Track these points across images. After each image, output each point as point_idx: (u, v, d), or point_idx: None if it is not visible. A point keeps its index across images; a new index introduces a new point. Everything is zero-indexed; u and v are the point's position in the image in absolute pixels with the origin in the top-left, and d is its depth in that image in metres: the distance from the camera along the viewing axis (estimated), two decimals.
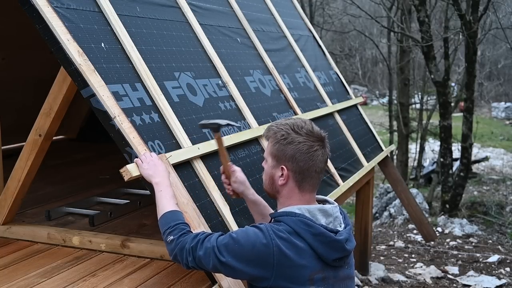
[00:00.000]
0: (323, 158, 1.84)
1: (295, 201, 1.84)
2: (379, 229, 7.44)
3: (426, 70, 10.87)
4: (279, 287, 1.73)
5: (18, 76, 4.87)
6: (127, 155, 2.38)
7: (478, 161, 13.89)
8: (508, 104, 24.47)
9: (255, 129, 3.25)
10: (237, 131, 3.11)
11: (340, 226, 1.84)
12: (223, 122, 2.33)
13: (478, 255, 5.73)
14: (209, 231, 2.39)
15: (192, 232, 1.96)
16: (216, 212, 2.56)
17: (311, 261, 1.74)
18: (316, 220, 1.78)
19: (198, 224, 2.34)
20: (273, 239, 1.71)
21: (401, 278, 5.24)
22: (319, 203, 1.89)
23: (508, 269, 5.29)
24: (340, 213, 1.89)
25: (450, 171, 8.30)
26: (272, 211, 2.14)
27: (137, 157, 2.34)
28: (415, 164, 12.97)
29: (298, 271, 1.73)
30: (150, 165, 2.25)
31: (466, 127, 7.94)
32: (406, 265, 5.70)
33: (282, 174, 1.84)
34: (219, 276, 2.26)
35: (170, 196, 2.16)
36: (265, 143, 3.28)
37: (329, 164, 3.88)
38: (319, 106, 4.44)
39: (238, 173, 2.28)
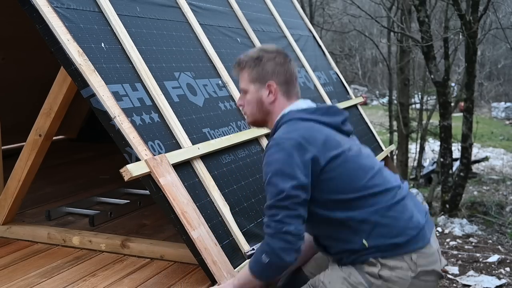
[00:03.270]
0: (295, 66, 2.09)
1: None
2: None
3: (426, 70, 10.87)
4: (329, 158, 1.84)
5: (18, 76, 4.87)
6: (127, 155, 2.38)
7: (478, 161, 13.88)
8: (508, 104, 24.46)
9: (255, 129, 3.25)
10: (237, 131, 3.11)
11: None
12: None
13: (478, 255, 5.73)
14: (209, 231, 2.39)
15: None
16: (216, 212, 2.56)
17: (329, 130, 1.93)
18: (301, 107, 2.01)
19: (198, 224, 2.34)
20: (290, 139, 1.84)
21: None
22: None
23: (508, 269, 5.29)
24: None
25: (450, 171, 8.30)
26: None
27: (137, 157, 2.34)
28: (415, 164, 12.96)
29: (328, 138, 1.89)
30: None
31: (466, 127, 7.93)
32: None
33: (270, 91, 2.01)
34: (219, 276, 2.26)
35: (244, 268, 2.02)
36: (265, 143, 3.29)
37: None
38: None
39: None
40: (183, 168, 2.55)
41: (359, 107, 5.49)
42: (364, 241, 1.82)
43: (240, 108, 2.16)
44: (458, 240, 6.40)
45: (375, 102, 25.20)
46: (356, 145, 2.01)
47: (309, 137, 1.84)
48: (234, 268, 2.39)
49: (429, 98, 13.26)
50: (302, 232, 1.80)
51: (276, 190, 1.79)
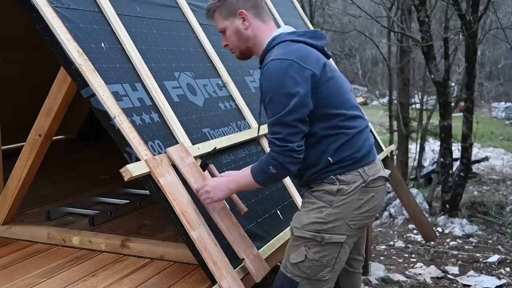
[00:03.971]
0: None
1: (267, 33, 2.18)
2: (379, 229, 7.43)
3: (426, 70, 10.87)
4: (325, 75, 2.05)
5: (18, 76, 4.87)
6: (127, 155, 2.38)
7: (478, 161, 13.88)
8: (508, 104, 24.46)
9: (255, 129, 3.25)
10: (237, 131, 3.11)
11: None
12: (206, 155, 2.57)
13: (478, 255, 5.73)
14: (209, 231, 2.39)
15: None
16: None
17: (318, 53, 2.10)
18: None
19: (198, 224, 2.34)
20: (288, 59, 1.99)
21: (401, 278, 5.23)
22: None
23: (508, 269, 5.29)
24: None
25: (450, 171, 8.29)
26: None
27: (137, 157, 2.34)
28: (415, 164, 12.95)
29: (320, 60, 2.07)
30: (215, 190, 2.29)
31: (466, 127, 7.93)
32: (406, 265, 5.70)
33: (244, 19, 2.16)
34: (219, 276, 2.26)
35: (243, 173, 2.26)
36: (265, 143, 3.29)
37: None
38: None
39: (207, 187, 2.36)
40: None
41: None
42: (330, 158, 2.08)
43: (227, 48, 2.30)
44: (458, 240, 6.40)
45: (375, 102, 25.20)
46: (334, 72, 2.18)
47: (305, 56, 2.02)
48: (234, 268, 2.39)
49: (429, 98, 13.26)
50: (303, 146, 2.04)
51: (279, 107, 1.98)
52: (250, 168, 2.17)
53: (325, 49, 2.19)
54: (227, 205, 2.55)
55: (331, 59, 2.30)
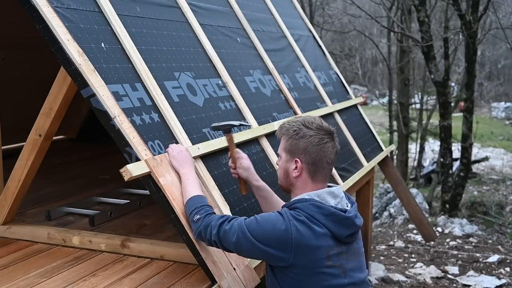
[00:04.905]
0: (333, 150, 2.01)
1: (308, 191, 1.98)
2: (379, 229, 7.44)
3: (426, 70, 10.87)
4: (298, 265, 1.86)
5: (18, 76, 4.87)
6: (127, 155, 2.38)
7: (478, 161, 13.89)
8: (508, 104, 24.46)
9: (255, 129, 3.26)
10: (242, 130, 3.11)
11: (347, 205, 1.99)
12: (235, 122, 2.59)
13: (478, 255, 5.73)
14: None
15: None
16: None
17: (327, 241, 1.87)
18: (326, 202, 1.93)
19: None
20: (291, 221, 1.85)
21: (401, 278, 5.24)
22: None
23: (508, 269, 5.29)
24: (344, 193, 2.06)
25: (450, 171, 8.30)
26: (276, 196, 2.44)
27: (137, 157, 2.34)
28: (415, 164, 12.96)
29: (315, 251, 1.85)
30: (180, 156, 2.41)
31: (466, 127, 7.94)
32: (406, 265, 5.70)
33: (296, 167, 1.99)
34: (219, 276, 2.26)
35: (197, 184, 2.34)
36: (265, 143, 3.29)
37: None
38: (319, 106, 4.44)
39: (244, 159, 2.46)
40: None
41: (359, 107, 5.49)
42: None
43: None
44: (458, 240, 6.40)
45: (375, 102, 25.21)
46: (341, 262, 1.92)
47: (298, 242, 1.83)
48: (234, 269, 2.39)
49: (429, 98, 13.27)
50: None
51: (253, 225, 1.91)
52: (190, 198, 2.24)
53: (349, 237, 1.93)
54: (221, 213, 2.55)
55: (355, 244, 2.00)
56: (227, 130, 2.57)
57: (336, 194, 1.97)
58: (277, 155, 2.12)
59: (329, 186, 2.03)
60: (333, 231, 1.88)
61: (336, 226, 1.89)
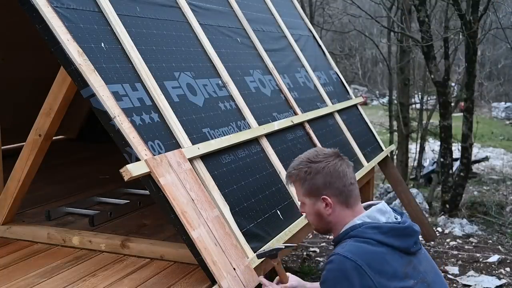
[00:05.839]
0: (350, 168, 1.93)
1: (350, 218, 1.88)
2: None
3: (426, 70, 10.86)
4: None
5: (18, 76, 4.87)
6: (127, 155, 2.38)
7: (478, 161, 13.87)
8: (508, 104, 24.45)
9: (255, 129, 3.25)
10: (242, 130, 3.11)
11: (396, 218, 1.91)
12: (281, 246, 2.38)
13: (478, 255, 5.73)
14: (209, 231, 2.39)
15: None
16: None
17: (397, 260, 1.77)
18: (379, 221, 1.84)
19: (198, 224, 2.34)
20: (355, 260, 1.71)
21: None
22: (365, 209, 1.93)
23: (508, 269, 5.29)
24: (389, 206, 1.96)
25: (450, 171, 8.29)
26: None
27: (137, 157, 2.34)
28: (415, 164, 12.95)
29: (393, 275, 1.73)
30: None
31: (466, 127, 7.93)
32: None
33: (326, 204, 1.89)
34: (219, 276, 2.26)
35: None
36: (265, 143, 3.29)
37: None
38: (319, 106, 4.44)
39: (293, 282, 2.23)
40: None
41: (359, 107, 5.49)
42: None
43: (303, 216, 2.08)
44: (458, 240, 6.39)
45: (375, 102, 25.19)
46: (422, 275, 1.83)
47: (375, 267, 1.72)
48: (234, 269, 2.38)
49: (429, 98, 13.25)
50: None
51: None
52: None
53: (413, 246, 1.85)
54: (221, 215, 2.54)
55: (420, 253, 1.90)
56: (273, 255, 2.34)
57: (384, 210, 1.89)
58: (299, 205, 2.00)
59: (370, 205, 1.94)
60: (397, 246, 1.79)
61: (399, 240, 1.80)
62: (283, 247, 2.41)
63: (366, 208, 1.95)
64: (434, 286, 1.83)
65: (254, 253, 2.55)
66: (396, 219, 1.90)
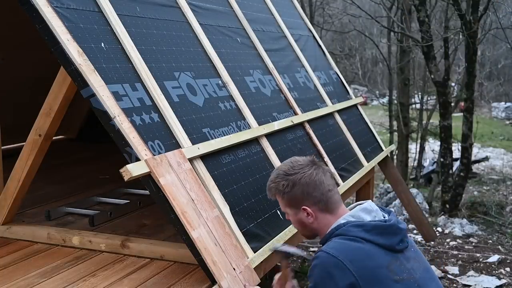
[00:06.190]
0: (326, 175, 1.95)
1: (334, 221, 1.91)
2: None
3: (426, 70, 10.86)
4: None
5: (18, 76, 4.87)
6: (127, 155, 2.38)
7: (478, 161, 13.87)
8: (508, 104, 24.44)
9: (255, 129, 3.25)
10: (242, 130, 3.11)
11: (384, 216, 1.93)
12: (302, 253, 2.24)
13: (478, 255, 5.73)
14: (209, 231, 2.39)
15: None
16: None
17: (382, 256, 1.79)
18: (363, 220, 1.87)
19: (198, 224, 2.34)
20: (335, 253, 1.75)
21: None
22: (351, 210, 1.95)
23: (508, 269, 5.29)
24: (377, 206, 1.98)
25: (450, 171, 8.29)
26: None
27: (137, 157, 2.34)
28: (415, 164, 12.95)
29: (377, 270, 1.76)
30: None
31: (466, 127, 7.93)
32: None
33: (308, 214, 1.93)
34: (219, 276, 2.26)
35: None
36: (265, 143, 3.29)
37: (329, 164, 3.88)
38: (319, 106, 4.44)
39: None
40: None
41: (359, 107, 5.49)
42: None
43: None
44: (458, 240, 6.40)
45: (375, 102, 25.20)
46: (408, 272, 1.85)
47: (357, 263, 1.75)
48: (234, 269, 2.38)
49: (429, 98, 13.25)
50: None
51: None
52: None
53: (399, 244, 1.87)
54: (221, 215, 2.54)
55: (408, 250, 1.91)
56: (289, 256, 2.27)
57: (370, 209, 1.92)
58: (283, 213, 2.05)
59: (358, 204, 1.97)
60: (382, 243, 1.81)
61: (383, 237, 1.82)
62: (301, 253, 2.26)
63: (353, 208, 1.98)
64: (422, 282, 1.84)
65: (254, 253, 2.55)
66: (384, 217, 1.92)
